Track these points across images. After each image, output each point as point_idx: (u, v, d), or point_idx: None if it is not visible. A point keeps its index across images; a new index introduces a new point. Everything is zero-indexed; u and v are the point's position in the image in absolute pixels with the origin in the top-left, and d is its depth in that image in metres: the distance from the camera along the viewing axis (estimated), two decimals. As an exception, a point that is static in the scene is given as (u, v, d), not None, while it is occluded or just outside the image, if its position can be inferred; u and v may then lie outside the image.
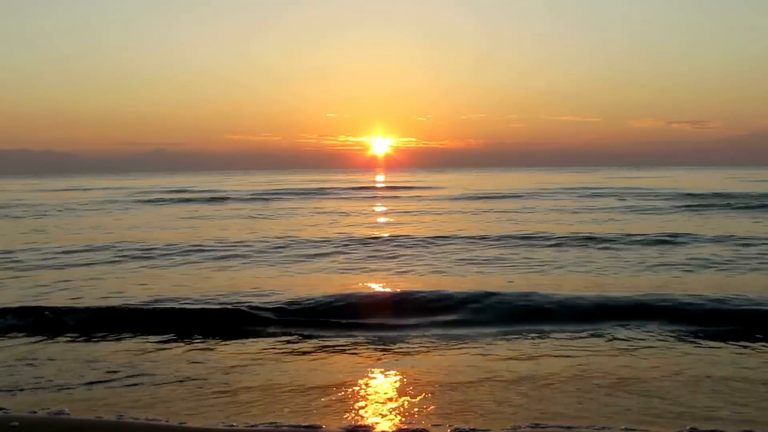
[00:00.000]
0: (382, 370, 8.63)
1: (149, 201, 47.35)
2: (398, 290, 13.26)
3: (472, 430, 6.56)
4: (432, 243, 20.62)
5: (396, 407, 7.29)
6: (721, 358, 8.87)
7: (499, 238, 21.41)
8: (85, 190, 70.30)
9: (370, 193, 56.36)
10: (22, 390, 7.86)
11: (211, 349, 9.70)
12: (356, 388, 7.90)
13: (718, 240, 20.08)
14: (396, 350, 9.58)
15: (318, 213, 35.33)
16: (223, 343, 10.06)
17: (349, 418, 6.95)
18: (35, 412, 7.08)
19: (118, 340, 10.33)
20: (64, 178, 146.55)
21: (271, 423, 6.93)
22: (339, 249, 19.70)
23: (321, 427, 6.71)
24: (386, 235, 23.15)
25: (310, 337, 10.37)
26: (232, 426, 6.81)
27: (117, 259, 18.08)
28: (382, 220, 31.84)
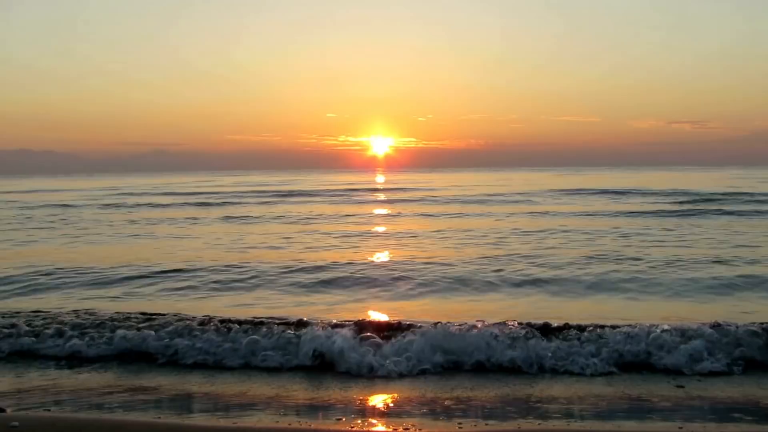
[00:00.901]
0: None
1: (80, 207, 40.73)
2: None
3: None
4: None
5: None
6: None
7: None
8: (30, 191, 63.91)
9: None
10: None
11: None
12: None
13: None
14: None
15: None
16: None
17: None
18: (35, 412, 7.01)
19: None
20: (56, 178, 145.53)
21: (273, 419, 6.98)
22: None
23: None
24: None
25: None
26: (235, 423, 6.80)
27: None
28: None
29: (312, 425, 6.74)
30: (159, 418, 6.94)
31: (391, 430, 6.58)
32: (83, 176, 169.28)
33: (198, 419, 6.97)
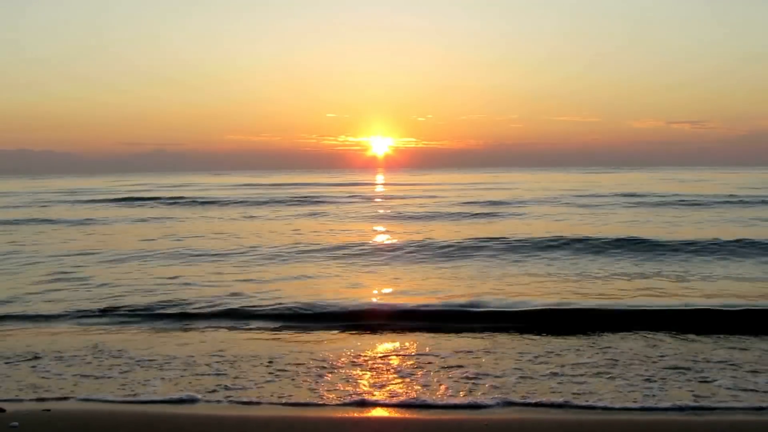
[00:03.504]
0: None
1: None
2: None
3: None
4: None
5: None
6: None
7: None
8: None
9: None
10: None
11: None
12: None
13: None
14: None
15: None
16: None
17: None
18: (35, 412, 6.80)
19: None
20: (49, 178, 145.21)
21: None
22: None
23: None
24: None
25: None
26: (228, 414, 6.65)
27: None
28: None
29: (301, 412, 6.66)
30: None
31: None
32: (82, 176, 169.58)
33: (196, 409, 6.84)
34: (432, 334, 9.95)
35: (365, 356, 8.79)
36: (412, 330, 10.24)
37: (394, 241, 21.48)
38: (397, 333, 10.15)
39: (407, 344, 9.41)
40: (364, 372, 8.09)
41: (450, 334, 9.93)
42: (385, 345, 9.45)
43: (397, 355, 8.84)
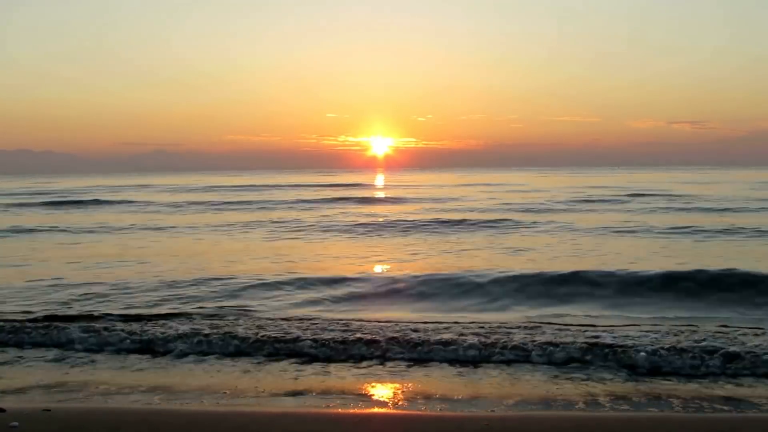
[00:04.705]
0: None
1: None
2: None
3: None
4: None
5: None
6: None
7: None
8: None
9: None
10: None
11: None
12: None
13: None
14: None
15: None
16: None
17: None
18: (35, 412, 6.74)
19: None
20: (47, 178, 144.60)
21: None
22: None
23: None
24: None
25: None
26: (227, 408, 6.62)
27: None
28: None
29: (302, 410, 6.67)
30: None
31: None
32: (81, 176, 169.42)
33: (196, 408, 6.83)
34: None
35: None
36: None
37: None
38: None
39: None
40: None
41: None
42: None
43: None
